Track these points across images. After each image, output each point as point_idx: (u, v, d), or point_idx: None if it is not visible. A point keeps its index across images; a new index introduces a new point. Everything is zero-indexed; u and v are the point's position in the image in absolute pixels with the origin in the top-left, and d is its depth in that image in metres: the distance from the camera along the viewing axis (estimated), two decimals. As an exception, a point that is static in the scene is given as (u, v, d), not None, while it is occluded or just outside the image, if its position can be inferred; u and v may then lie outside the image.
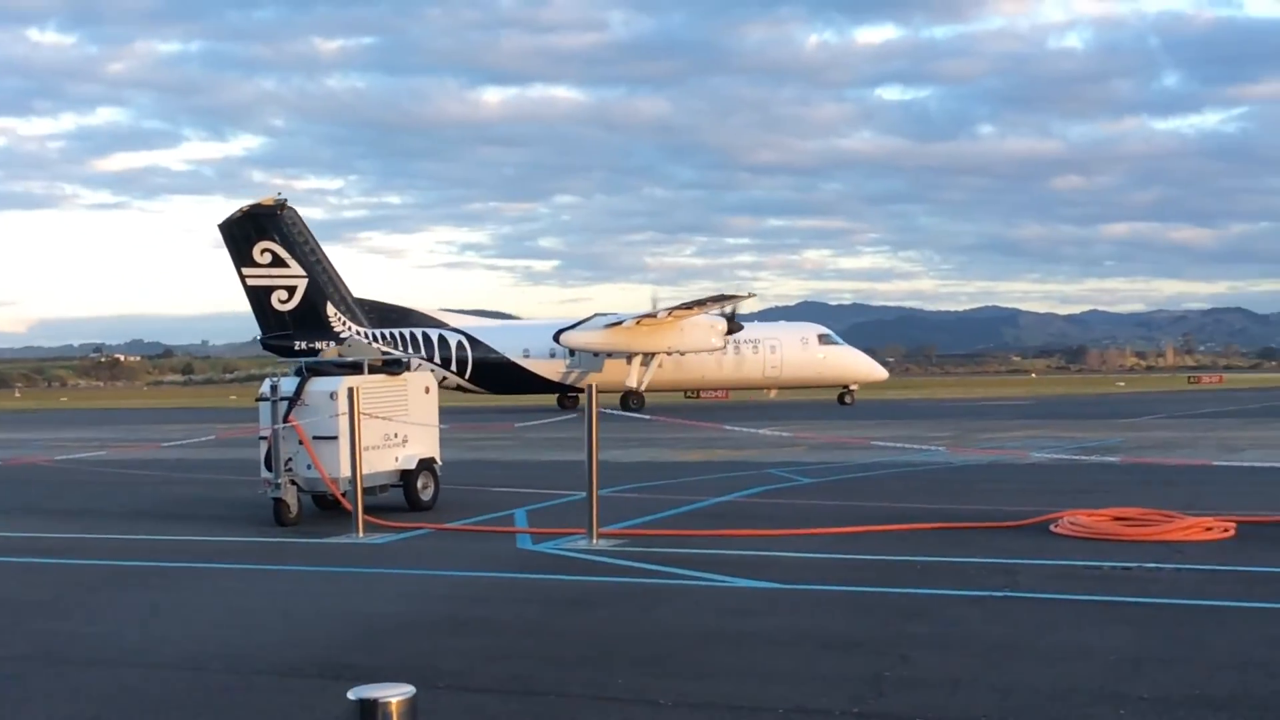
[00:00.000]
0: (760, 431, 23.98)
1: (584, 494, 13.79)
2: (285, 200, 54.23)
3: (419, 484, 17.19)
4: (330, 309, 55.13)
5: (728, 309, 56.79)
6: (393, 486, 17.12)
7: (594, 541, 13.47)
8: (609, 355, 56.69)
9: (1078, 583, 10.83)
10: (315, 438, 16.18)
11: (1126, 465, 21.84)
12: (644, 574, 11.74)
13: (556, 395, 59.07)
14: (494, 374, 57.42)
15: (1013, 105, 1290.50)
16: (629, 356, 56.51)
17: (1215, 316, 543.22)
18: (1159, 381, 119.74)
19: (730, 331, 56.66)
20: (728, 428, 24.11)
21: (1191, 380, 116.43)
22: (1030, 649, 8.41)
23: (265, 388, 16.73)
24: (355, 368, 17.17)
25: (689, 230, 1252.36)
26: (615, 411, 21.31)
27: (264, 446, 16.53)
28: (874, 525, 14.43)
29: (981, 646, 8.52)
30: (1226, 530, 13.23)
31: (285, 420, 16.21)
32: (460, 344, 56.89)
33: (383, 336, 55.47)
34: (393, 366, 17.76)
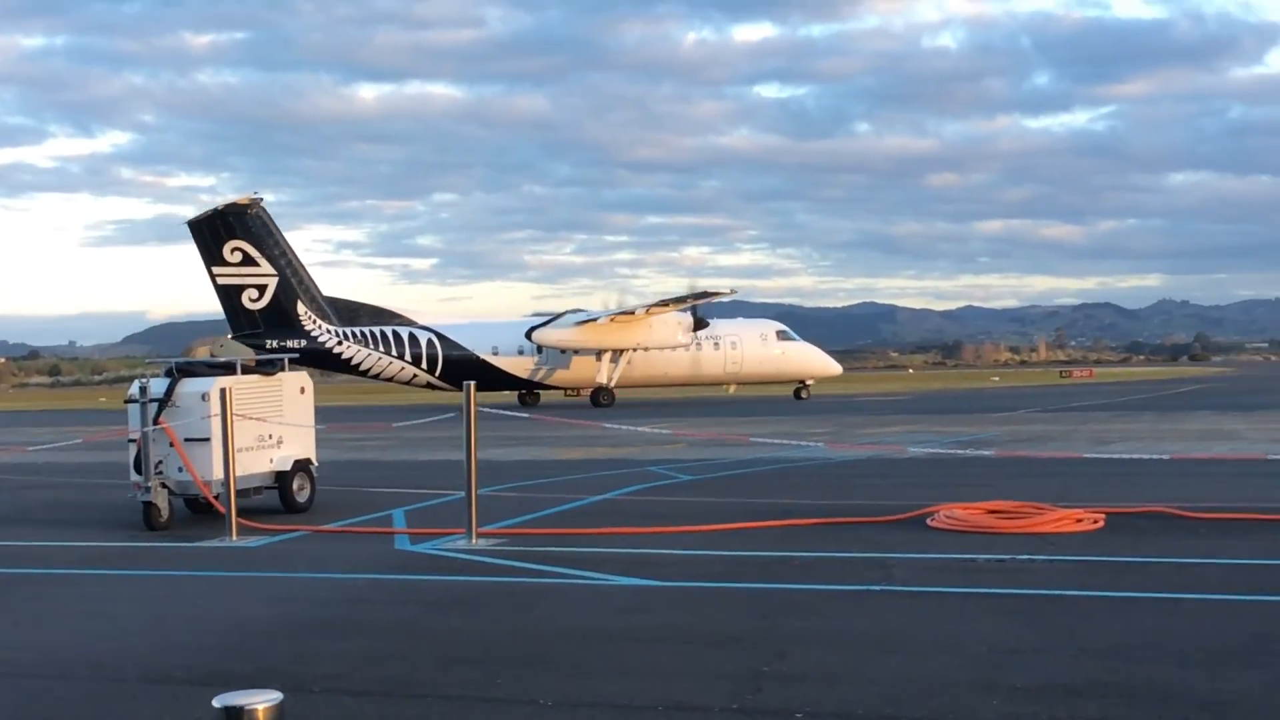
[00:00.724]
0: (640, 429, 23.99)
1: (463, 493, 13.68)
2: (261, 199, 54.25)
3: (294, 485, 16.93)
4: (300, 308, 55.34)
5: (698, 305, 57.90)
6: (267, 488, 16.83)
7: (473, 541, 13.37)
8: (576, 352, 57.37)
9: (953, 576, 10.96)
10: (187, 440, 15.87)
11: (1001, 459, 22.18)
12: (524, 573, 11.67)
13: (518, 393, 59.58)
14: (463, 371, 55.42)
15: (889, 103, 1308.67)
16: (599, 353, 57.25)
17: (1086, 312, 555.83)
18: (1032, 376, 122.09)
19: (697, 328, 57.77)
20: (607, 425, 24.10)
21: (1063, 374, 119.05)
22: (907, 642, 8.48)
23: (134, 389, 16.35)
24: (228, 368, 16.85)
25: (568, 228, 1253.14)
26: (497, 410, 21.17)
27: (133, 449, 16.16)
28: (753, 521, 14.49)
29: (859, 641, 8.58)
30: (1096, 521, 13.48)
31: (155, 422, 15.88)
32: (430, 342, 57.42)
33: (352, 335, 56.29)
34: (267, 366, 17.47)
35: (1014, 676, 7.49)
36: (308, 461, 17.27)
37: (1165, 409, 43.11)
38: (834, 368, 63.77)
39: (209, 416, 15.74)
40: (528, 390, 59.67)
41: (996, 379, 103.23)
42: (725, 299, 62.53)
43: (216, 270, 54.05)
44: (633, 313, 56.45)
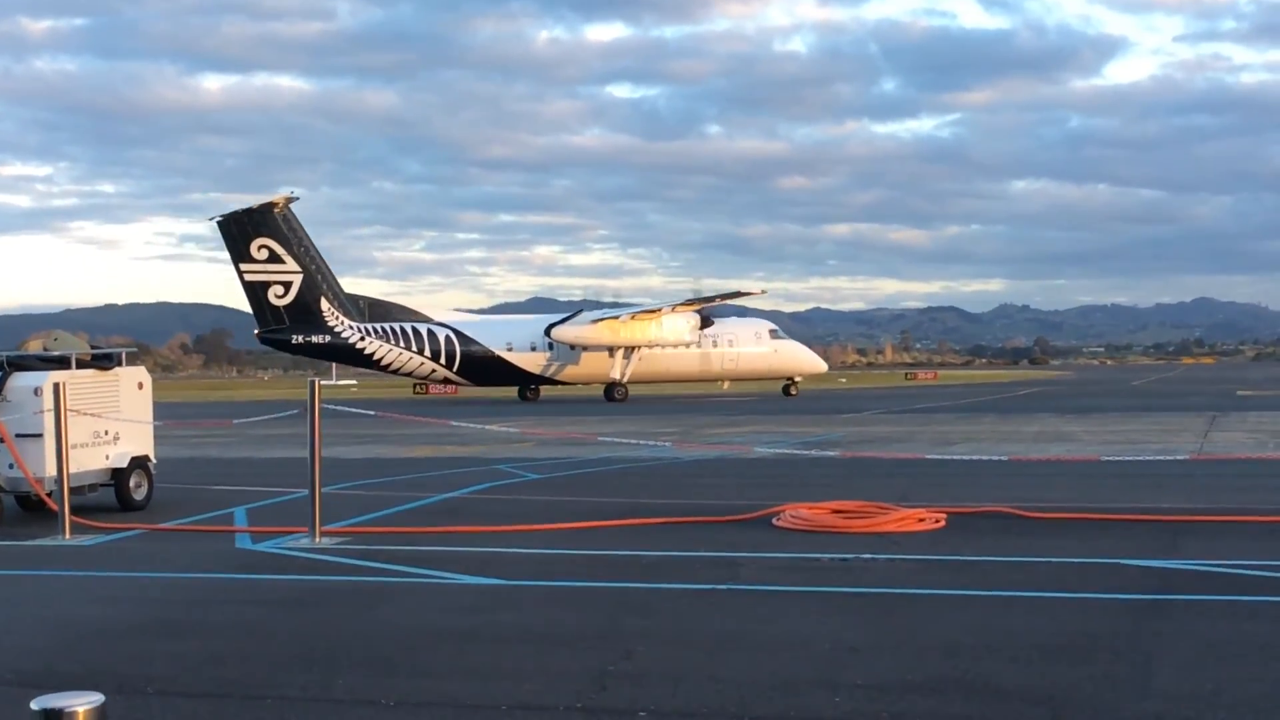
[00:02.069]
0: (489, 427, 23.86)
1: (306, 491, 13.46)
2: (297, 197, 56.76)
3: (131, 483, 16.52)
4: (324, 304, 57.05)
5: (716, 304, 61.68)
6: (103, 486, 16.40)
7: (316, 540, 13.15)
8: (586, 349, 59.44)
9: (798, 575, 11.05)
10: (18, 436, 15.41)
11: (846, 459, 22.48)
12: (368, 572, 11.52)
13: (518, 388, 61.79)
14: (479, 367, 59.81)
15: (740, 106, 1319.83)
16: (611, 350, 59.39)
17: (931, 315, 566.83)
18: (879, 378, 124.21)
19: (703, 326, 60.40)
20: (454, 423, 23.91)
21: (909, 376, 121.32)
22: (752, 641, 8.53)
23: (-36, 383, 15.82)
24: (62, 362, 16.38)
25: (418, 225, 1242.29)
26: (345, 408, 20.85)
27: (-38, 445, 15.63)
28: (600, 521, 14.48)
29: (705, 639, 8.60)
30: (938, 521, 13.71)
31: (-14, 417, 15.38)
32: (448, 338, 59.25)
33: (375, 330, 58.26)
34: (103, 361, 17.01)
35: (856, 674, 7.57)
36: (145, 458, 16.86)
37: (1006, 411, 44.09)
38: (821, 365, 67.61)
39: (41, 412, 15.29)
40: (533, 386, 61.76)
41: (844, 380, 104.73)
42: (755, 296, 65.94)
43: (244, 267, 55.81)
44: (658, 311, 59.31)
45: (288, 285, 56.50)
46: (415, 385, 64.60)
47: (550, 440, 28.66)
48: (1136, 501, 15.53)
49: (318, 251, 57.39)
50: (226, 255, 55.98)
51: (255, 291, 56.55)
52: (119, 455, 16.40)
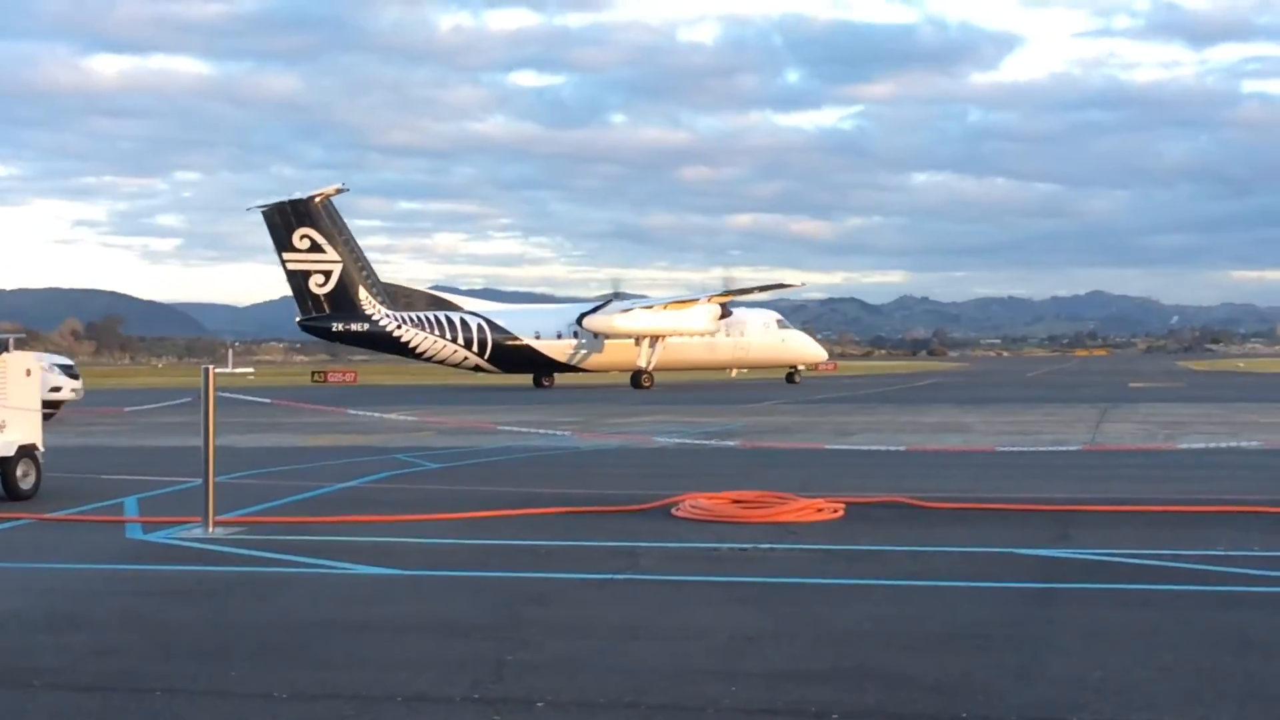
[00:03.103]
0: (388, 416, 23.67)
1: (200, 481, 13.25)
2: (346, 189, 60.30)
3: (18, 472, 16.12)
4: (362, 292, 59.07)
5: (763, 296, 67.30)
6: (-10, 474, 16.03)
7: (210, 530, 12.96)
8: (609, 337, 61.64)
9: (697, 564, 11.07)
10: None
11: (746, 449, 22.58)
12: (262, 562, 11.36)
13: (533, 376, 63.85)
14: (510, 355, 61.86)
15: (644, 95, 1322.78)
16: (637, 338, 61.50)
17: (832, 306, 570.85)
18: (780, 369, 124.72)
19: (722, 316, 62.93)
20: (352, 412, 23.70)
21: (812, 367, 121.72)
22: (650, 630, 8.52)
23: None
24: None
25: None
26: (241, 396, 20.57)
27: None
28: (499, 510, 14.41)
29: (603, 629, 8.58)
30: (836, 511, 13.81)
31: None
32: (480, 326, 61.36)
33: (411, 319, 60.39)
34: (-10, 347, 16.62)
35: (753, 663, 7.59)
36: (33, 447, 16.48)
37: (905, 403, 44.58)
38: (822, 354, 71.96)
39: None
40: (550, 374, 63.83)
41: (744, 371, 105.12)
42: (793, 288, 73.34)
43: (286, 256, 57.91)
44: (692, 301, 61.87)
45: (328, 274, 58.13)
46: (313, 374, 64.52)
47: (450, 429, 28.49)
48: (1030, 491, 15.76)
49: (356, 242, 59.37)
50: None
51: (297, 280, 58.29)
52: (5, 444, 16.01)
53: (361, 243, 60.05)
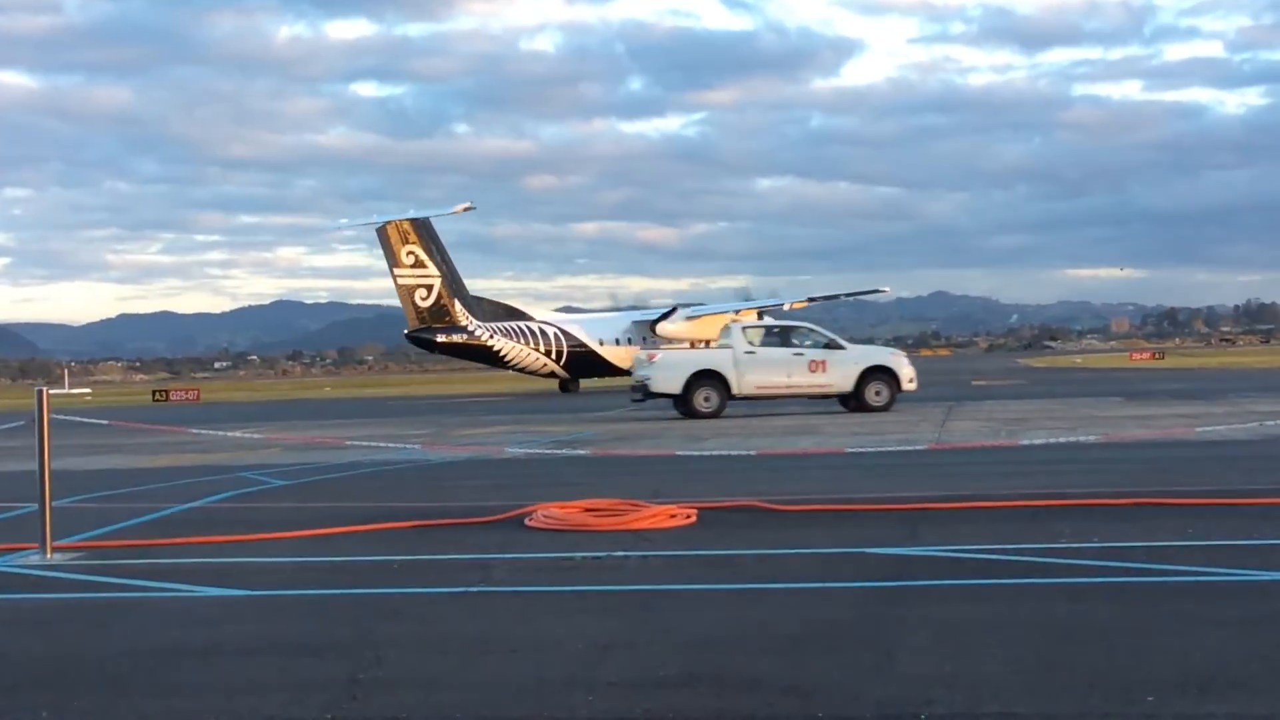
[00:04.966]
0: (232, 434, 23.20)
1: (36, 506, 12.84)
2: (473, 208, 66.42)
3: None
4: (458, 306, 63.60)
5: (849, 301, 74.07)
6: None
7: (48, 556, 12.54)
8: (669, 343, 63.19)
9: (551, 574, 11.02)
10: None
11: (597, 457, 22.58)
12: (103, 588, 11.04)
13: (559, 382, 67.75)
14: (581, 362, 66.26)
15: (487, 105, 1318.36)
16: (692, 344, 63.28)
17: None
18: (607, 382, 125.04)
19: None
20: (195, 431, 23.20)
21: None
22: (505, 642, 8.45)
23: None
24: None
25: (155, 227, 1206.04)
26: (77, 418, 19.97)
27: None
28: (348, 526, 14.19)
29: (457, 643, 8.49)
30: (689, 517, 13.84)
31: None
32: (556, 336, 65.49)
33: (500, 330, 64.40)
34: None
35: (608, 672, 7.56)
36: None
37: (755, 407, 44.91)
38: None
39: None
40: (565, 382, 67.40)
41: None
42: (880, 297, 78.54)
43: (396, 271, 62.60)
44: (781, 306, 66.54)
45: (430, 288, 62.63)
46: (155, 393, 63.54)
47: (296, 445, 28.05)
48: (879, 491, 15.98)
49: (449, 256, 64.04)
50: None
51: (406, 294, 62.68)
52: None
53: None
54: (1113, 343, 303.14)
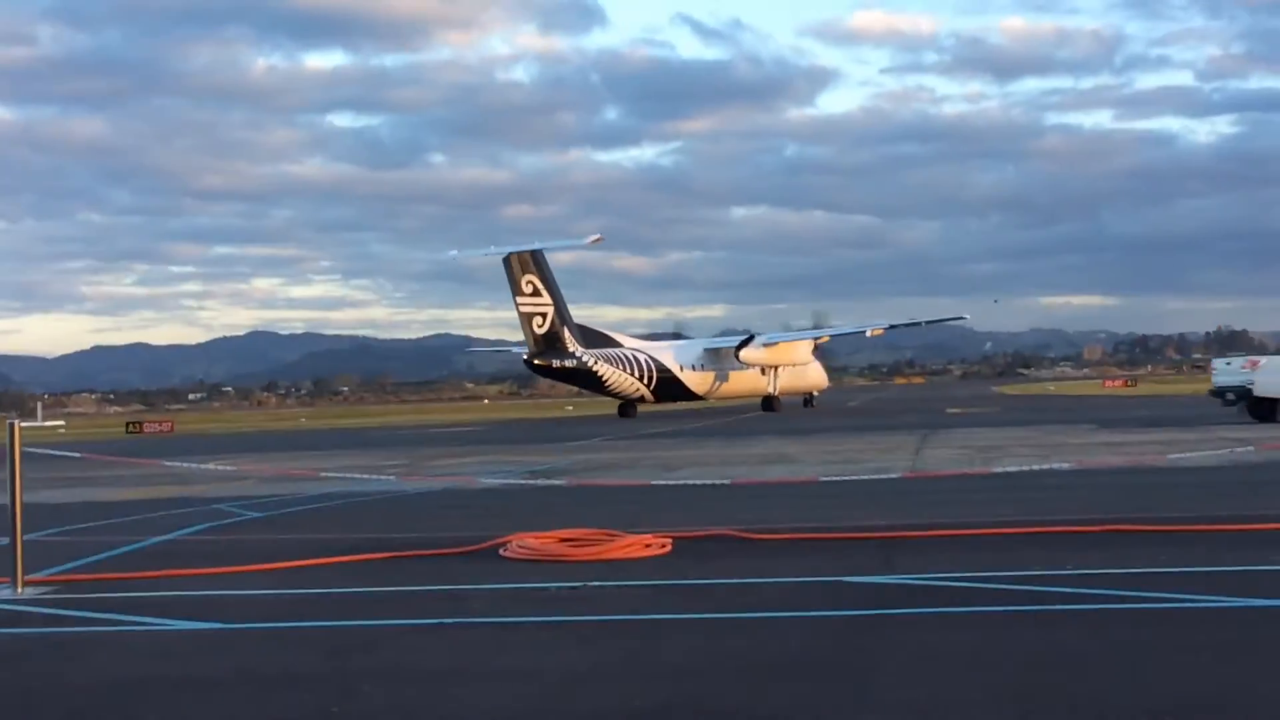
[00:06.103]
0: (207, 466, 23.08)
1: (6, 539, 12.75)
2: (602, 239, 71.23)
3: None
4: (566, 333, 67.43)
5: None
6: None
7: (19, 590, 12.44)
8: (735, 368, 72.21)
9: (527, 605, 10.98)
10: None
11: (573, 487, 22.54)
12: (75, 622, 10.96)
13: (619, 404, 72.01)
14: (666, 387, 71.12)
15: (464, 135, 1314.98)
16: (764, 369, 72.87)
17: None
18: (605, 405, 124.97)
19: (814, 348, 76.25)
20: (169, 463, 23.07)
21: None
22: (480, 673, 8.42)
23: None
24: None
25: (130, 258, 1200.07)
26: (51, 451, 19.84)
27: None
28: (324, 558, 14.13)
29: (432, 674, 8.46)
30: (664, 546, 13.83)
31: None
32: (645, 362, 70.31)
33: (602, 357, 68.67)
34: None
35: (585, 703, 7.54)
36: None
37: (730, 435, 44.96)
38: (826, 381, 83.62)
39: None
40: (626, 404, 71.37)
41: (570, 408, 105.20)
42: (958, 323, 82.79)
43: (519, 300, 66.20)
44: (863, 333, 75.88)
45: (545, 315, 66.41)
46: (128, 424, 62.94)
47: (271, 477, 27.93)
48: (853, 520, 15.98)
49: (558, 286, 67.42)
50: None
51: (526, 320, 66.35)
52: None
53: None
54: (1086, 370, 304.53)
